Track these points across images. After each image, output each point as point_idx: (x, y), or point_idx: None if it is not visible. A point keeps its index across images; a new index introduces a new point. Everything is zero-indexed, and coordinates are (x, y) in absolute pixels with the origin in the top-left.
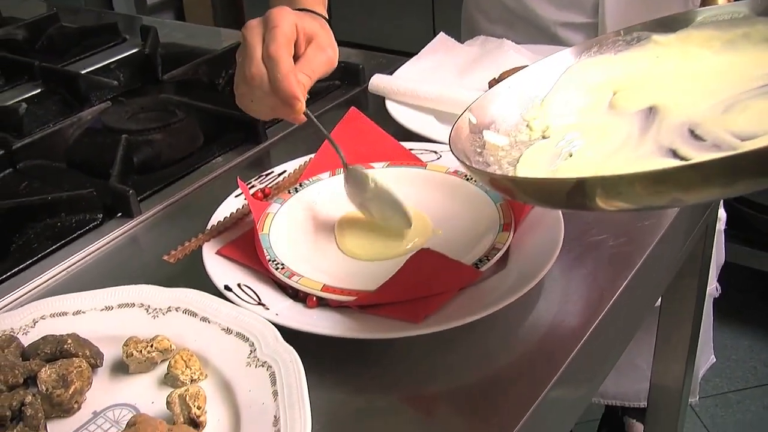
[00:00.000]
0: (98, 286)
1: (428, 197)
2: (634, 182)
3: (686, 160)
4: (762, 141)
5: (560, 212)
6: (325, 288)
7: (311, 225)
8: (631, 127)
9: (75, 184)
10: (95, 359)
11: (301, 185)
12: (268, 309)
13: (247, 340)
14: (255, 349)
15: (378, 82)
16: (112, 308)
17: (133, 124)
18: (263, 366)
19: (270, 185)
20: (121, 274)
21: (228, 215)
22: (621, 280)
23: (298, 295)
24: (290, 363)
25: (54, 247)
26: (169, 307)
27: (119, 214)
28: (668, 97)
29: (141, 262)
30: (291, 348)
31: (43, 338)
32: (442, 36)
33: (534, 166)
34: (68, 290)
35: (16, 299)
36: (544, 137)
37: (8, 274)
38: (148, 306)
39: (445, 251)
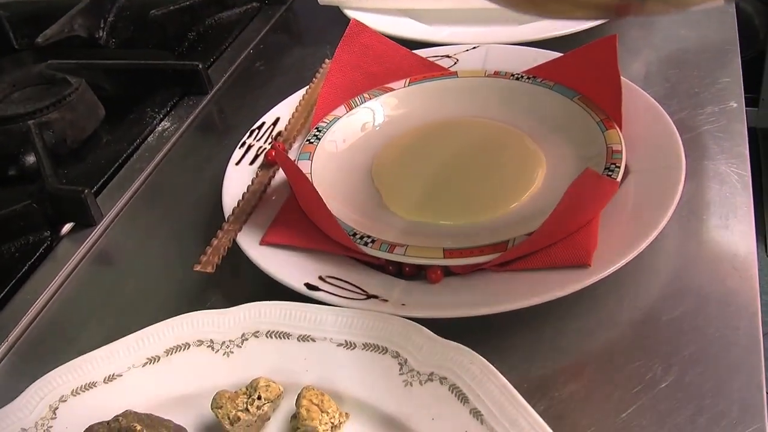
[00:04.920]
0: (96, 337)
1: (485, 109)
2: None
3: None
4: None
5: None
6: (449, 253)
7: (359, 177)
8: None
9: None
10: None
11: (319, 129)
12: (386, 301)
13: (386, 350)
14: (406, 360)
15: None
16: (159, 358)
17: (17, 108)
18: (433, 380)
19: (272, 139)
20: (120, 309)
21: (246, 191)
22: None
23: (403, 272)
24: (471, 365)
25: (3, 293)
26: (243, 335)
27: (69, 226)
28: None
29: (135, 286)
30: (460, 345)
31: (90, 430)
32: None
33: None
34: (51, 356)
35: None
36: None
37: None
38: (211, 340)
39: (552, 166)
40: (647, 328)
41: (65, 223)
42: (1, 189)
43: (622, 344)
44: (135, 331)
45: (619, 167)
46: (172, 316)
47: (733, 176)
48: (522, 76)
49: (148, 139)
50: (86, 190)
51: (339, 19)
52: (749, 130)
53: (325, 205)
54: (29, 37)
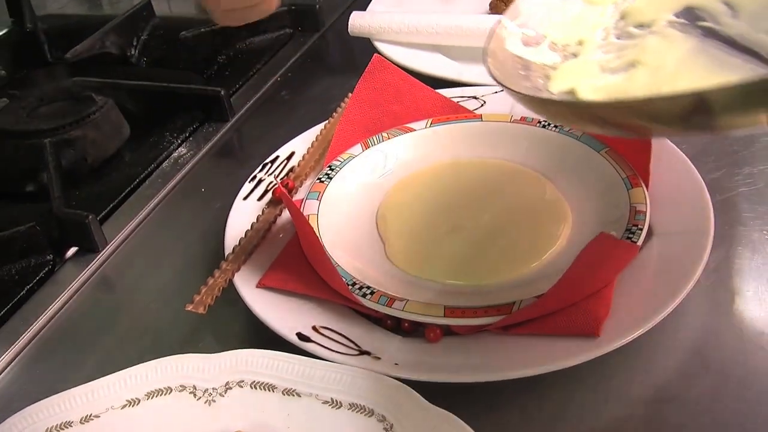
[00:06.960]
0: (85, 369)
1: (509, 156)
2: None
3: None
4: None
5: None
6: (450, 311)
7: (367, 221)
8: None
9: None
10: None
11: (332, 168)
12: (379, 358)
13: (372, 412)
14: (392, 426)
15: (361, 22)
16: (139, 401)
17: (40, 123)
18: None
19: (283, 175)
20: (113, 342)
21: (249, 228)
22: None
23: (401, 327)
24: None
25: None
26: (227, 383)
27: (73, 251)
28: None
29: (131, 317)
30: (451, 415)
31: None
32: None
33: (588, 80)
34: (39, 385)
35: None
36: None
37: None
38: (194, 386)
39: (573, 222)
40: (659, 409)
41: (69, 247)
42: (12, 206)
43: (629, 425)
44: (124, 366)
45: (641, 229)
46: (163, 354)
47: (766, 245)
48: (549, 124)
49: (164, 164)
50: (90, 216)
51: (371, 51)
52: None
53: (325, 251)
54: (63, 50)
